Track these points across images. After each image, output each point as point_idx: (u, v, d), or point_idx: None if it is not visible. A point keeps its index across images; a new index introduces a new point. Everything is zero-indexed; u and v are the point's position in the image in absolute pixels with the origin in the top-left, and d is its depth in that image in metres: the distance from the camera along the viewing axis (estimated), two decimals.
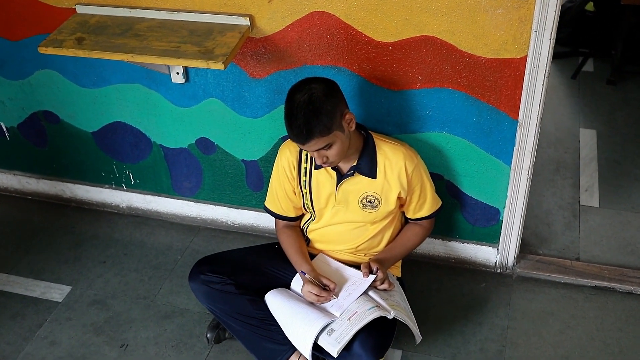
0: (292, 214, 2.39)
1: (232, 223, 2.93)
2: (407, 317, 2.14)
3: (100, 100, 2.73)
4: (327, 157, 2.09)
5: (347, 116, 2.08)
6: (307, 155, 2.26)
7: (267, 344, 2.26)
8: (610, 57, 3.98)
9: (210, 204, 2.90)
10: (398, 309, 2.13)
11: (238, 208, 2.87)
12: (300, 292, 2.25)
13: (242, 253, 2.41)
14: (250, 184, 2.78)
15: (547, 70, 2.18)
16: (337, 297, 2.16)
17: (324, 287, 2.17)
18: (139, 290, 2.66)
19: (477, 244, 2.67)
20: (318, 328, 2.07)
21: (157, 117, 2.70)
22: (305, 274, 2.21)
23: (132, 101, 2.69)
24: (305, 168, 2.27)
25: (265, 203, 2.42)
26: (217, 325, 2.43)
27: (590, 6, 4.00)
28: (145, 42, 2.27)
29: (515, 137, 2.33)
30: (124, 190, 3.00)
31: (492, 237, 2.64)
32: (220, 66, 2.14)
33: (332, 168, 2.22)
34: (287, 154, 2.28)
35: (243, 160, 2.71)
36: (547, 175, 3.16)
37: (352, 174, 2.21)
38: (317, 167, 2.24)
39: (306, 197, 2.31)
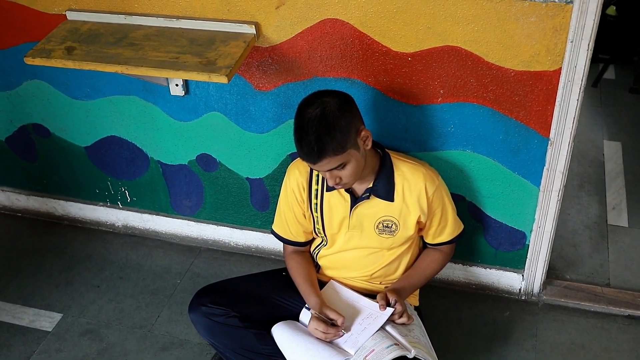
0: (301, 239, 2.20)
1: (236, 244, 2.73)
2: (428, 355, 1.94)
3: (93, 113, 2.54)
4: (341, 178, 1.90)
5: (362, 133, 1.89)
6: (318, 175, 2.06)
7: None
8: (633, 64, 3.78)
9: (212, 224, 2.70)
10: (419, 346, 1.93)
11: (242, 228, 2.68)
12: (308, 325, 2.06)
13: (247, 281, 2.21)
14: (255, 203, 2.58)
15: (583, 84, 1.98)
16: (347, 331, 1.97)
17: (332, 323, 1.97)
18: (135, 319, 2.47)
19: (501, 269, 2.47)
20: None
21: (155, 132, 2.51)
22: (309, 309, 2.01)
23: (128, 114, 2.50)
24: (317, 190, 2.08)
25: (273, 226, 2.23)
26: None
27: (611, 10, 3.80)
28: (141, 52, 2.08)
29: (545, 156, 2.14)
30: (120, 209, 2.81)
31: (516, 262, 2.44)
32: (223, 80, 1.95)
33: (346, 190, 2.03)
34: (297, 174, 2.09)
35: (247, 178, 2.52)
36: (571, 191, 2.96)
37: (368, 197, 2.02)
38: (329, 189, 2.05)
39: (317, 221, 2.11)
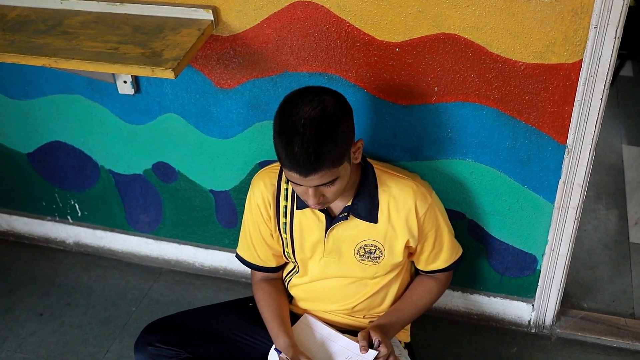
0: (272, 264, 1.84)
1: (201, 265, 2.38)
2: None
3: (33, 115, 2.19)
4: (324, 196, 1.55)
5: (357, 143, 1.56)
6: (286, 190, 1.71)
7: None
8: None
9: (174, 242, 2.35)
10: None
11: (207, 248, 2.32)
12: None
13: (204, 315, 1.86)
14: (222, 219, 2.23)
15: (608, 80, 1.63)
16: None
17: None
18: (80, 354, 2.12)
19: (507, 297, 2.11)
20: None
21: (104, 137, 2.16)
22: (280, 352, 1.66)
23: (73, 116, 2.14)
24: (285, 207, 1.72)
25: (238, 250, 1.87)
26: None
27: (631, 0, 3.43)
28: (75, 42, 1.72)
29: (561, 166, 1.78)
30: (70, 224, 2.46)
31: (526, 290, 2.08)
32: (169, 75, 1.60)
33: (320, 209, 1.67)
34: (262, 187, 1.73)
35: (211, 191, 2.17)
36: (586, 204, 2.59)
37: (346, 217, 1.66)
38: (301, 207, 1.69)
39: (286, 244, 1.76)
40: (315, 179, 1.47)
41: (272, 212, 1.73)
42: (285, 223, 1.74)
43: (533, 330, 2.14)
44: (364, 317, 1.84)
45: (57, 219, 2.46)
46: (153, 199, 2.25)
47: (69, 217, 2.44)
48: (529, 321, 2.13)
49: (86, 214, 2.40)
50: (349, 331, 1.76)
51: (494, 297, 2.12)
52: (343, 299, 1.80)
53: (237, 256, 1.88)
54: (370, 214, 1.67)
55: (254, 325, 1.82)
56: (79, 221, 2.44)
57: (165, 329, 1.77)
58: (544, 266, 1.99)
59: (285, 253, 1.79)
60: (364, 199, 1.66)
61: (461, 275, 2.08)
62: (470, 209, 1.94)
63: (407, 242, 1.71)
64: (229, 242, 2.28)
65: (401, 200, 1.67)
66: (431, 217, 1.71)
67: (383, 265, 1.73)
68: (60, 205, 2.41)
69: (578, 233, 2.28)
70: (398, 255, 1.72)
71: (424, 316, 2.17)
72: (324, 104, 1.46)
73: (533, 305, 2.09)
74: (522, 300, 2.10)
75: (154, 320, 1.80)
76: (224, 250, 2.30)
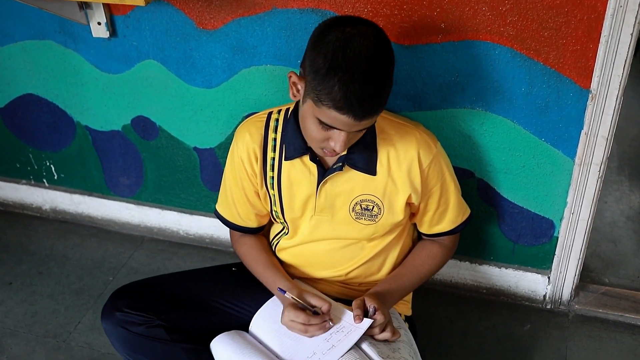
0: (253, 224, 1.65)
1: (186, 233, 2.18)
2: None
3: (3, 65, 2.00)
4: (346, 145, 1.37)
5: None
6: (274, 140, 1.52)
7: None
8: None
9: (156, 208, 2.16)
10: None
11: (192, 213, 2.13)
12: (262, 338, 1.52)
13: (181, 280, 1.66)
14: (207, 181, 2.03)
15: (639, 11, 1.42)
16: (335, 323, 1.44)
17: (314, 311, 1.45)
18: (49, 325, 1.93)
19: (520, 269, 1.90)
20: None
21: (79, 88, 1.97)
22: (285, 292, 1.48)
23: (45, 65, 1.96)
24: (273, 159, 1.53)
25: (217, 206, 1.68)
26: None
27: None
28: None
29: (584, 115, 1.57)
30: (46, 187, 2.27)
31: (541, 261, 1.87)
32: (139, 1, 1.41)
33: (311, 159, 1.48)
34: (247, 139, 1.53)
35: (195, 149, 1.97)
36: (608, 175, 2.39)
37: (340, 168, 1.46)
38: (290, 157, 1.50)
39: (274, 201, 1.56)
40: (365, 123, 1.30)
41: (258, 166, 1.54)
42: (273, 177, 1.54)
43: (548, 306, 1.93)
44: (359, 285, 1.64)
45: (33, 182, 2.28)
46: (133, 159, 2.06)
47: (44, 181, 2.25)
48: (544, 296, 1.91)
49: (63, 176, 2.22)
50: (343, 301, 1.56)
51: (506, 268, 1.90)
52: (337, 264, 1.60)
53: (216, 212, 1.69)
54: (367, 165, 1.47)
55: (238, 293, 1.63)
56: (56, 185, 2.25)
57: (135, 294, 1.58)
58: (562, 232, 1.78)
59: (273, 212, 1.59)
60: (360, 148, 1.46)
61: (469, 243, 1.88)
62: (480, 166, 1.74)
63: (409, 197, 1.51)
64: (215, 206, 2.08)
65: (402, 150, 1.47)
66: (436, 170, 1.51)
67: (382, 224, 1.53)
68: (35, 167, 2.22)
69: (600, 205, 2.07)
70: (398, 213, 1.52)
71: (427, 290, 1.99)
72: (379, 37, 1.27)
73: (549, 278, 1.88)
74: (536, 272, 1.88)
75: (123, 285, 1.61)
76: (210, 216, 2.10)
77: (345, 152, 1.46)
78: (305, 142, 1.45)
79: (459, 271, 1.95)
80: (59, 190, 2.25)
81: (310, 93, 1.29)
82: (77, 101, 2.00)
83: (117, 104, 1.96)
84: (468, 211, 1.64)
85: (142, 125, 1.98)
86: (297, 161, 1.50)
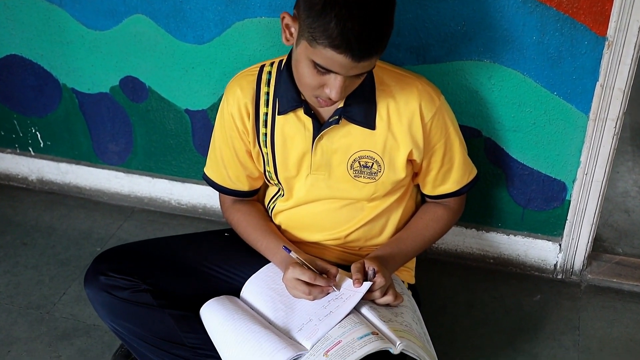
0: (244, 187, 1.55)
1: (177, 203, 2.08)
2: (423, 350, 1.30)
3: None
4: (343, 93, 1.26)
5: None
6: (267, 94, 1.41)
7: None
8: None
9: (147, 176, 2.06)
10: (409, 337, 1.28)
11: (184, 181, 2.03)
12: (254, 304, 1.42)
13: (169, 244, 1.56)
14: (199, 145, 1.93)
15: None
16: (338, 289, 1.35)
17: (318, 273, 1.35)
18: (32, 296, 1.83)
19: (530, 236, 1.80)
20: None
21: (65, 47, 1.87)
22: (290, 251, 1.38)
23: (28, 23, 1.86)
24: (266, 115, 1.43)
25: (206, 169, 1.58)
26: (126, 355, 1.59)
27: None
28: None
29: (599, 66, 1.47)
30: (32, 156, 2.17)
31: (552, 227, 1.77)
32: None
33: (306, 112, 1.37)
34: (238, 94, 1.43)
35: (187, 111, 1.87)
36: (620, 145, 2.27)
37: (337, 122, 1.36)
38: (283, 111, 1.39)
39: (267, 160, 1.46)
40: (363, 65, 1.19)
41: (250, 123, 1.44)
42: (266, 134, 1.44)
43: (559, 276, 1.83)
44: (359, 250, 1.54)
45: (18, 151, 2.17)
46: (122, 123, 1.96)
47: (30, 149, 2.15)
48: (555, 265, 1.81)
49: (49, 144, 2.12)
50: (342, 267, 1.45)
51: (514, 235, 1.80)
52: (335, 225, 1.50)
53: (204, 176, 1.59)
54: (366, 118, 1.37)
55: (230, 258, 1.52)
56: (42, 153, 2.15)
57: (121, 257, 1.48)
58: (575, 195, 1.68)
59: (267, 173, 1.49)
60: (358, 100, 1.35)
61: (475, 209, 1.78)
62: (488, 124, 1.64)
63: (410, 154, 1.40)
64: (210, 186, 1.98)
65: (403, 102, 1.37)
66: (440, 124, 1.40)
67: (382, 183, 1.43)
68: (21, 134, 2.12)
69: (610, 175, 1.97)
70: (400, 170, 1.42)
71: (430, 260, 1.89)
72: None
73: (560, 245, 1.78)
74: (547, 239, 1.78)
75: (107, 249, 1.51)
76: (203, 185, 2.00)
77: (342, 105, 1.35)
78: (299, 94, 1.35)
79: (465, 239, 1.85)
80: (46, 159, 2.15)
81: (305, 33, 1.19)
82: (63, 61, 1.90)
83: (104, 63, 1.86)
84: (474, 171, 1.54)
85: (131, 87, 1.88)
86: (291, 116, 1.40)
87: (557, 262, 1.80)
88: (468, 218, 1.79)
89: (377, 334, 1.25)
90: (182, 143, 1.94)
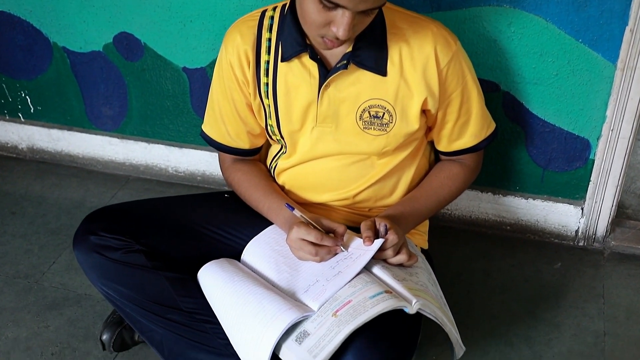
0: (244, 144, 1.44)
1: (175, 170, 1.98)
2: (442, 312, 1.19)
3: None
4: (353, 30, 1.15)
5: None
6: (269, 41, 1.30)
7: (198, 355, 1.31)
8: None
9: (142, 141, 1.95)
10: (425, 296, 1.18)
11: (182, 146, 1.92)
12: (256, 266, 1.32)
13: (166, 204, 1.45)
14: (198, 107, 1.82)
15: None
16: (346, 249, 1.24)
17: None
18: (20, 266, 1.72)
19: (550, 199, 1.69)
20: (280, 329, 1.12)
21: (55, 2, 1.76)
22: (293, 209, 1.27)
23: None
24: (267, 63, 1.32)
25: (203, 127, 1.47)
26: (119, 322, 1.48)
27: None
28: None
29: (629, 8, 1.36)
30: (22, 123, 2.06)
31: (574, 189, 1.66)
32: None
33: (312, 57, 1.26)
34: (237, 41, 1.32)
35: (185, 69, 1.77)
36: None
37: (345, 67, 1.25)
38: (287, 57, 1.28)
39: (269, 113, 1.35)
40: (368, 1, 1.08)
41: (250, 72, 1.33)
42: (267, 84, 1.33)
43: (581, 243, 1.72)
44: (369, 211, 1.44)
45: (7, 117, 2.07)
46: (116, 85, 1.86)
47: (20, 115, 2.05)
48: (576, 231, 1.70)
49: (39, 109, 2.01)
50: (350, 229, 1.34)
51: (533, 199, 1.69)
52: (343, 184, 1.39)
53: (202, 133, 1.48)
54: (376, 64, 1.26)
55: (230, 219, 1.42)
56: (32, 119, 2.04)
57: (112, 216, 1.37)
58: (599, 154, 1.57)
59: (269, 127, 1.38)
60: (368, 43, 1.24)
61: (492, 171, 1.67)
62: (506, 77, 1.53)
63: (425, 103, 1.29)
64: (208, 144, 1.88)
65: (417, 47, 1.26)
66: (456, 71, 1.29)
67: (394, 135, 1.32)
68: (10, 99, 2.01)
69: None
70: (413, 121, 1.31)
71: (443, 228, 1.78)
72: None
73: (582, 209, 1.67)
74: (568, 203, 1.67)
75: (99, 208, 1.40)
76: (202, 149, 1.90)
77: (350, 49, 1.25)
78: (304, 38, 1.24)
79: (480, 204, 1.74)
80: (36, 126, 2.04)
81: None
82: (53, 18, 1.79)
83: (97, 19, 1.75)
84: (493, 124, 1.43)
85: (126, 44, 1.77)
86: (295, 62, 1.29)
87: (578, 227, 1.69)
88: (484, 181, 1.68)
89: (391, 293, 1.15)
90: (179, 105, 1.83)
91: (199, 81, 1.76)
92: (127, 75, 1.83)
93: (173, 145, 1.92)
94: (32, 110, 2.02)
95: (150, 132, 1.92)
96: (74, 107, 1.96)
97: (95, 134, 1.98)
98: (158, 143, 1.93)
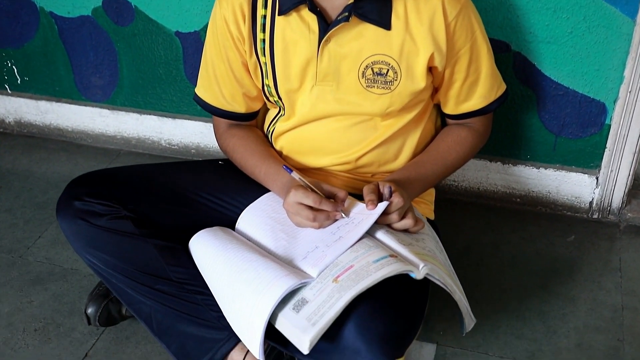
0: (240, 108, 1.35)
1: (168, 143, 1.89)
2: (449, 277, 1.11)
3: None
4: None
5: None
6: None
7: (189, 328, 1.24)
8: None
9: (134, 112, 1.86)
10: (433, 261, 1.09)
11: (175, 117, 1.83)
12: (251, 234, 1.23)
13: (153, 169, 1.36)
14: (192, 75, 1.74)
15: None
16: (347, 215, 1.15)
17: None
18: (3, 240, 1.64)
19: (562, 169, 1.60)
20: (276, 297, 1.03)
21: None
22: (291, 171, 1.18)
23: None
24: (264, 17, 1.23)
25: (197, 90, 1.38)
26: (105, 294, 1.40)
27: None
28: None
29: None
30: (9, 95, 1.97)
31: (588, 157, 1.57)
32: None
33: (311, 9, 1.17)
34: None
35: (178, 34, 1.68)
36: None
37: (347, 19, 1.16)
38: (285, 10, 1.20)
39: (266, 72, 1.26)
40: None
41: (246, 27, 1.24)
42: (264, 41, 1.24)
43: (595, 216, 1.63)
44: (372, 177, 1.35)
45: None
46: (106, 51, 1.77)
47: (7, 87, 1.96)
48: (590, 203, 1.61)
49: (27, 79, 1.92)
50: (353, 196, 1.26)
51: (545, 168, 1.60)
52: (344, 147, 1.30)
53: (196, 97, 1.39)
54: (380, 16, 1.17)
55: (224, 186, 1.33)
56: (20, 91, 1.95)
57: (98, 180, 1.29)
58: (616, 118, 1.48)
59: (265, 87, 1.29)
60: None
61: (500, 138, 1.58)
62: (517, 35, 1.44)
63: (431, 59, 1.20)
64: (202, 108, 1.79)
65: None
66: (465, 25, 1.21)
67: (398, 94, 1.23)
68: None
69: None
70: (419, 79, 1.22)
71: (448, 201, 1.70)
72: None
73: (597, 179, 1.58)
74: (582, 172, 1.58)
75: (84, 173, 1.32)
76: (196, 120, 1.81)
77: (352, 1, 1.16)
78: None
79: (489, 175, 1.65)
80: (24, 97, 1.95)
81: None
82: None
83: None
84: (503, 85, 1.34)
85: (116, 7, 1.68)
86: (293, 16, 1.20)
87: (593, 199, 1.61)
88: (492, 150, 1.59)
89: (396, 257, 1.06)
90: (172, 72, 1.75)
91: (193, 46, 1.68)
92: (118, 42, 1.74)
93: (166, 116, 1.83)
94: (19, 81, 1.93)
95: (142, 103, 1.83)
96: (63, 77, 1.87)
97: (85, 105, 1.90)
98: (150, 114, 1.84)
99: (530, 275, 1.47)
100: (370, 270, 1.03)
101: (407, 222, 1.15)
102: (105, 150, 1.94)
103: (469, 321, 1.15)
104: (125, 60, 1.77)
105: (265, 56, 1.25)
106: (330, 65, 1.22)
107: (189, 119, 1.82)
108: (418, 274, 1.03)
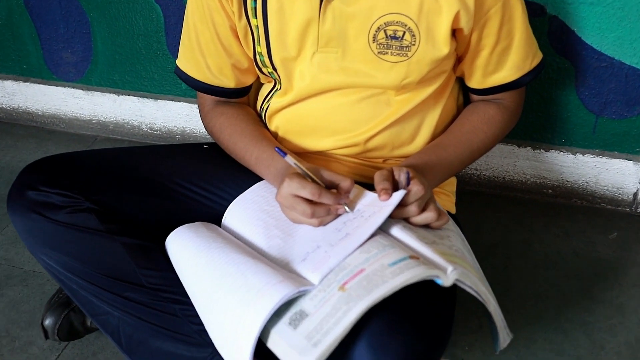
0: (230, 82, 1.14)
1: (149, 128, 1.68)
2: (481, 282, 0.90)
3: None
4: None
5: None
6: None
7: (164, 345, 1.03)
8: None
9: (111, 93, 1.66)
10: (463, 264, 0.88)
11: (157, 98, 1.63)
12: (240, 231, 1.03)
13: (123, 153, 1.16)
14: (174, 47, 1.54)
15: None
16: (353, 209, 0.95)
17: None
18: None
19: (603, 155, 1.40)
20: (268, 309, 0.83)
21: None
22: (285, 154, 0.97)
23: None
24: None
25: (178, 61, 1.17)
26: (65, 303, 1.19)
27: None
28: None
29: None
30: None
31: (633, 141, 1.37)
32: None
33: None
34: None
35: (158, 1, 1.47)
36: None
37: None
38: None
39: (258, 37, 1.06)
40: None
41: None
42: (255, 1, 1.04)
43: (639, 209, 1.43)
44: (384, 162, 1.15)
45: None
46: (78, 23, 1.57)
47: None
48: (635, 194, 1.41)
49: None
50: (362, 185, 1.05)
51: (583, 154, 1.40)
52: (351, 127, 1.10)
53: (177, 70, 1.18)
54: None
55: (209, 174, 1.13)
56: None
57: (56, 167, 1.08)
58: None
59: (257, 56, 1.09)
60: None
61: (531, 119, 1.38)
62: None
63: (457, 18, 1.00)
64: (187, 87, 1.59)
65: None
66: None
67: (416, 62, 1.02)
68: None
69: None
70: (441, 44, 1.02)
71: (470, 193, 1.50)
72: None
73: None
74: (625, 159, 1.39)
75: (39, 159, 1.11)
76: (181, 101, 1.61)
77: None
78: None
79: (517, 162, 1.44)
80: None
81: None
82: None
83: None
84: (540, 54, 1.13)
85: None
86: None
87: (638, 189, 1.41)
88: (521, 133, 1.40)
89: (418, 259, 0.85)
90: (152, 45, 1.55)
91: (175, 15, 1.48)
92: (91, 11, 1.54)
93: (147, 97, 1.63)
94: None
95: (120, 82, 1.63)
96: (30, 52, 1.67)
97: (56, 85, 1.70)
98: (130, 95, 1.65)
99: (568, 278, 1.28)
100: (386, 275, 0.83)
101: (428, 215, 0.94)
102: (80, 137, 1.74)
103: (505, 337, 0.95)
104: (100, 33, 1.57)
105: (256, 18, 1.05)
106: (334, 27, 1.01)
107: (172, 100, 1.62)
108: (446, 280, 0.83)
